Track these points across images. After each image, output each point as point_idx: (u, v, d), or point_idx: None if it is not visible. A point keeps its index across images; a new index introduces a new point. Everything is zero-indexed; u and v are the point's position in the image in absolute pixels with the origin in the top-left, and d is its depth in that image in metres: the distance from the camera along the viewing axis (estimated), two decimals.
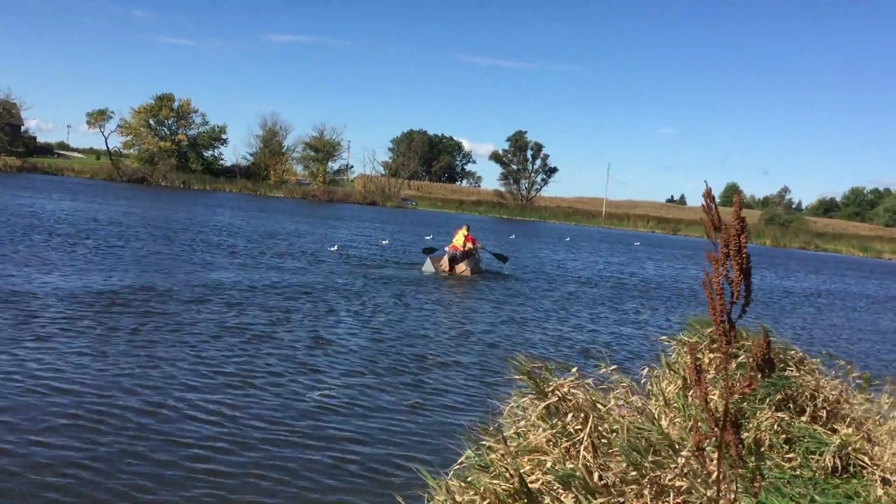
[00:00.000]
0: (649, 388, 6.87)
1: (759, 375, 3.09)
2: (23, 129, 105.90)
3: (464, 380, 10.44)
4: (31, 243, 21.13)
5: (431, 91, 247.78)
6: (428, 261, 25.10)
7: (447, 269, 24.48)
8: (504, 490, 3.70)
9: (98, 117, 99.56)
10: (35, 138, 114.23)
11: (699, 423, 3.61)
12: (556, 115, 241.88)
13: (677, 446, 3.73)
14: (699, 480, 3.49)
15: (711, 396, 5.13)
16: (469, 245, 25.19)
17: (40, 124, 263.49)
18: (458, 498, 3.94)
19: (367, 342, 12.27)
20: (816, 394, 6.64)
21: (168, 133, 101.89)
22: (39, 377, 8.57)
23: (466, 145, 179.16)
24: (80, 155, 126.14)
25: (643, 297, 23.86)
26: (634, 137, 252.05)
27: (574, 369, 4.94)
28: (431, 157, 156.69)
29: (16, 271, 15.83)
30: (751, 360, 3.05)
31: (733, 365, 6.19)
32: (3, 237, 21.86)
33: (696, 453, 3.19)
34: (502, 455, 4.10)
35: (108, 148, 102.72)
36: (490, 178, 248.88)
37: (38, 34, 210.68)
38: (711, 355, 6.82)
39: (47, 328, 10.90)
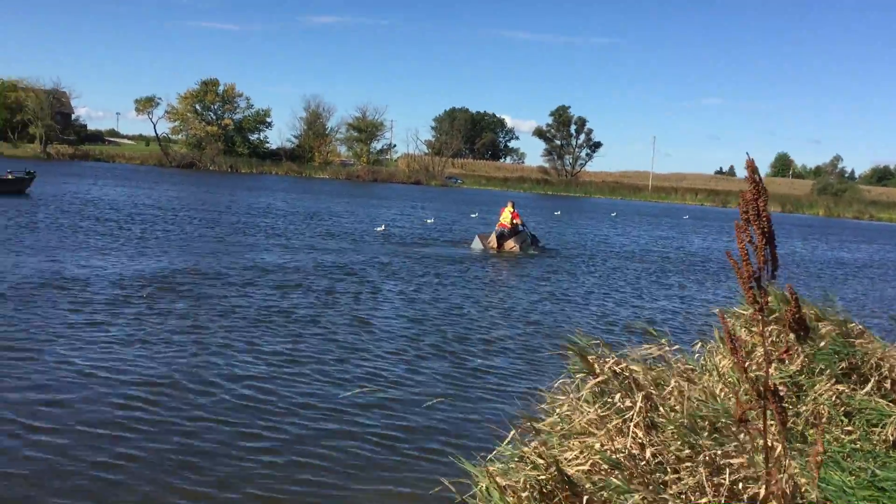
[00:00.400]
0: (703, 362, 6.70)
1: (796, 340, 2.96)
2: (73, 117, 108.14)
3: (509, 360, 10.31)
4: (83, 229, 21.56)
5: (473, 68, 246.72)
6: (476, 238, 25.27)
7: (495, 246, 24.52)
8: (544, 478, 3.61)
9: (146, 104, 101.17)
10: (86, 126, 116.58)
11: (740, 396, 3.48)
12: (599, 89, 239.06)
13: (735, 423, 3.60)
14: (755, 455, 3.36)
15: (756, 368, 4.97)
16: (516, 221, 25.13)
17: (90, 112, 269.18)
18: (501, 482, 3.86)
19: (412, 323, 12.21)
20: (882, 363, 6.41)
21: (214, 118, 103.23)
22: (91, 362, 8.69)
23: (509, 122, 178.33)
24: (129, 141, 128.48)
25: (691, 271, 23.47)
26: (679, 109, 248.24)
27: (627, 349, 4.82)
28: (474, 134, 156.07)
29: (70, 257, 16.15)
30: (783, 324, 2.92)
31: (791, 336, 5.99)
32: (56, 224, 22.35)
33: (741, 425, 3.07)
34: (540, 443, 4.01)
35: (156, 134, 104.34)
36: (534, 154, 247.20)
37: (85, 23, 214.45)
38: (771, 327, 6.62)
39: (99, 314, 11.07)
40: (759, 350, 5.75)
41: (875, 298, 19.75)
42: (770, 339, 6.15)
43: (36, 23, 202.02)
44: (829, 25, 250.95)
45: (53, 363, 8.48)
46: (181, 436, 6.76)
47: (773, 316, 6.48)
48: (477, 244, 24.86)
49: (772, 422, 3.02)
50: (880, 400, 6.03)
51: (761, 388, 2.89)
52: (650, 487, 3.29)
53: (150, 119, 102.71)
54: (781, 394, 2.99)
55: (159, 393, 7.81)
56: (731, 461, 3.22)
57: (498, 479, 3.86)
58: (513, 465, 4.05)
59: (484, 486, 3.92)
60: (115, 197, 36.04)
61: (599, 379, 4.13)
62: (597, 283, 18.67)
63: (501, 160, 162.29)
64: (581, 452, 3.91)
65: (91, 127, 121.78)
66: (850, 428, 5.78)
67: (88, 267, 15.00)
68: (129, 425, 6.86)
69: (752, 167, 3.01)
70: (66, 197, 33.36)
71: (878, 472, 5.04)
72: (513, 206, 25.29)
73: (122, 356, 8.98)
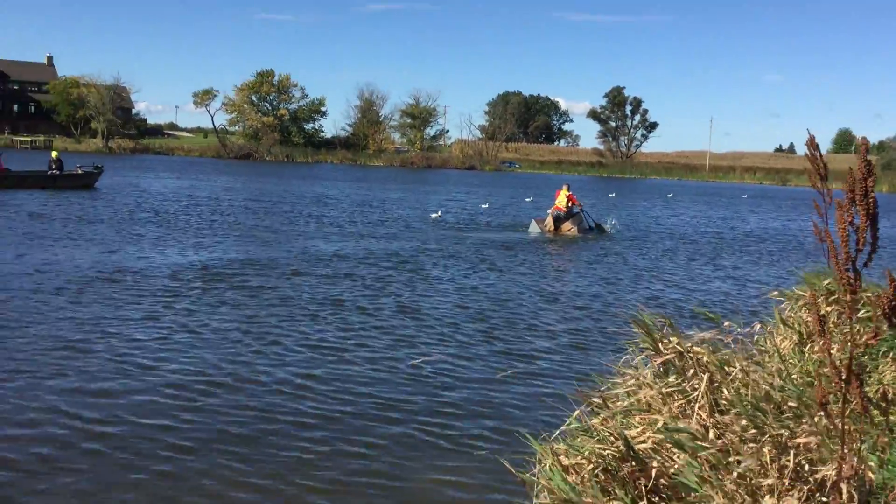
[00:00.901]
0: (762, 345, 6.59)
1: (889, 325, 2.89)
2: (134, 111, 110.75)
3: (566, 341, 10.28)
4: (143, 221, 22.17)
5: (525, 51, 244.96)
6: (533, 222, 25.51)
7: (552, 229, 24.71)
8: (611, 453, 3.61)
9: (203, 97, 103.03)
10: (146, 120, 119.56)
11: (821, 379, 3.42)
12: (654, 69, 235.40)
13: (807, 405, 3.55)
14: (828, 437, 3.32)
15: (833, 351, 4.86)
16: (572, 204, 25.24)
17: (150, 106, 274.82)
18: (564, 461, 3.87)
19: (468, 307, 12.27)
20: None
21: (270, 108, 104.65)
22: (149, 353, 8.91)
23: (563, 104, 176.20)
24: (188, 134, 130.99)
25: (747, 251, 23.03)
26: (738, 87, 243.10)
27: (692, 331, 4.77)
28: (528, 117, 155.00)
29: (133, 249, 16.62)
30: (876, 310, 2.86)
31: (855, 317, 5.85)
32: (119, 217, 22.98)
33: (820, 409, 3.02)
34: (605, 418, 4.00)
35: (214, 126, 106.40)
36: (588, 136, 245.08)
37: (143, 19, 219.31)
38: (829, 308, 6.48)
39: (154, 305, 11.32)
40: (836, 333, 5.62)
41: None
42: (833, 321, 6.03)
43: (96, 19, 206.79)
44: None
45: (107, 356, 8.62)
46: (237, 425, 6.85)
47: (833, 297, 6.36)
48: (534, 228, 25.10)
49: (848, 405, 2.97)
50: None
51: (843, 372, 2.85)
52: (717, 466, 3.27)
53: (208, 111, 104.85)
54: (862, 376, 2.94)
55: (213, 383, 7.91)
56: (798, 442, 3.17)
57: (561, 457, 3.87)
58: (576, 441, 4.05)
59: (547, 464, 3.92)
60: (175, 189, 36.86)
61: (665, 357, 4.10)
62: (650, 264, 18.46)
63: (556, 143, 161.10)
64: (644, 430, 3.89)
65: (151, 121, 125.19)
66: None
67: (146, 258, 15.43)
68: (183, 416, 6.95)
69: (812, 146, 2.95)
70: (130, 190, 34.24)
71: None
72: (568, 189, 25.35)
73: (174, 347, 9.16)
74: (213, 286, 12.85)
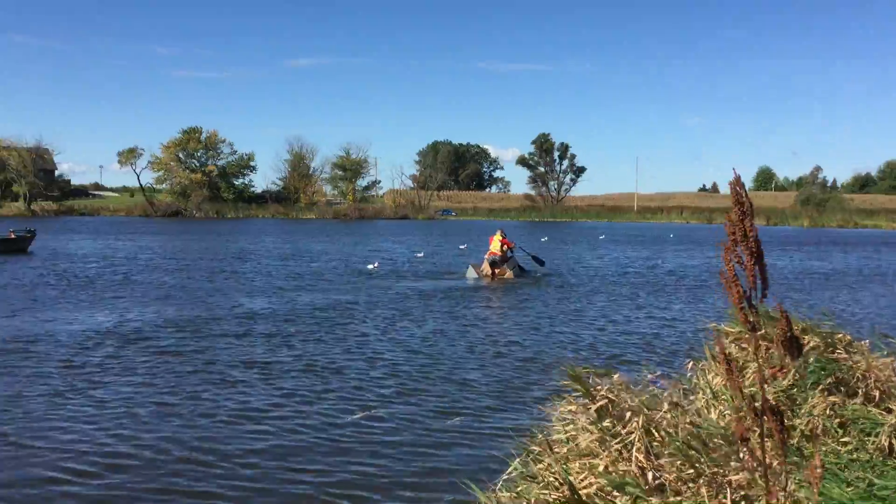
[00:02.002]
0: (695, 381, 6.79)
1: (790, 358, 3.04)
2: (56, 173, 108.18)
3: (509, 389, 10.36)
4: (65, 286, 21.53)
5: (453, 101, 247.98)
6: (470, 268, 26.05)
7: (489, 273, 25.22)
8: (555, 499, 3.68)
9: (129, 155, 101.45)
10: (69, 181, 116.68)
11: (741, 415, 3.56)
12: (579, 115, 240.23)
13: (732, 442, 3.68)
14: (755, 473, 3.44)
15: (752, 386, 5.06)
16: (505, 248, 25.77)
17: (73, 167, 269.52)
18: None
19: (406, 356, 12.29)
20: (868, 374, 6.51)
21: (198, 165, 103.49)
22: (45, 424, 8.65)
23: (492, 152, 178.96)
24: (114, 194, 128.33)
25: (683, 289, 23.61)
26: (661, 129, 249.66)
27: (616, 375, 4.90)
28: (458, 166, 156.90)
29: (50, 313, 16.15)
30: (776, 343, 3.01)
31: (781, 351, 6.08)
32: (38, 282, 22.32)
33: (742, 444, 3.15)
34: (550, 463, 4.07)
35: (140, 184, 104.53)
36: (518, 182, 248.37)
37: (64, 78, 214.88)
38: (761, 343, 6.72)
39: (58, 373, 11.02)
40: (751, 367, 5.84)
41: (865, 305, 19.93)
42: (760, 357, 6.25)
43: (15, 82, 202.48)
44: (799, 36, 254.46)
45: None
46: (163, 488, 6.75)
47: (759, 333, 6.58)
48: (471, 273, 25.62)
49: (769, 439, 3.10)
50: (873, 409, 6.12)
51: (758, 407, 2.97)
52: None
53: (134, 170, 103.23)
54: (779, 410, 3.07)
55: (119, 454, 7.78)
56: (732, 479, 3.29)
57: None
58: (521, 487, 4.09)
59: None
60: (96, 251, 36.01)
61: (599, 404, 4.21)
62: (582, 307, 18.73)
63: (487, 190, 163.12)
64: (585, 475, 3.97)
65: (75, 181, 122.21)
66: (846, 439, 5.86)
67: (76, 323, 15.01)
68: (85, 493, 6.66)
69: (737, 184, 3.10)
70: (50, 254, 33.34)
71: (875, 480, 5.11)
72: (502, 234, 25.88)
73: (74, 417, 8.83)
74: (141, 349, 12.49)
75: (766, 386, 3.00)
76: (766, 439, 2.99)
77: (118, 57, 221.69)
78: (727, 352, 3.10)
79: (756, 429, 3.09)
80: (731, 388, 4.60)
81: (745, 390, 3.06)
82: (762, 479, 3.10)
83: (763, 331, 6.11)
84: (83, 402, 9.39)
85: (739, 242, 2.99)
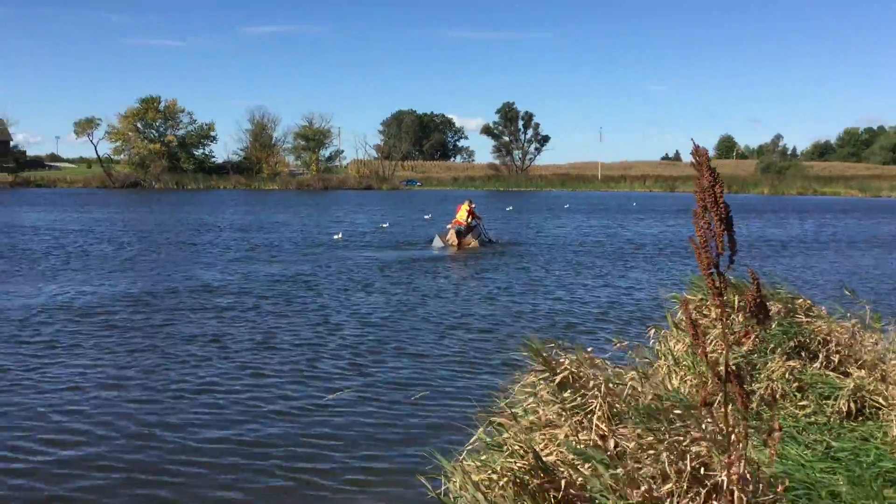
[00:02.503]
0: (657, 348, 6.84)
1: (757, 323, 3.05)
2: (11, 144, 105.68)
3: (471, 360, 10.38)
4: (17, 259, 21.11)
5: (416, 70, 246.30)
6: (436, 237, 26.29)
7: (456, 243, 25.56)
8: (520, 467, 3.68)
9: (85, 126, 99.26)
10: (25, 152, 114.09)
11: (705, 380, 3.58)
12: (543, 83, 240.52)
13: (692, 408, 3.70)
14: (718, 437, 3.46)
15: (715, 351, 5.10)
16: (471, 218, 26.25)
17: (28, 138, 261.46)
18: (474, 477, 3.92)
19: (371, 328, 12.25)
20: (829, 338, 6.61)
21: (157, 135, 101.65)
22: (40, 396, 8.51)
23: (457, 121, 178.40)
24: (71, 165, 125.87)
25: (641, 258, 23.83)
26: (624, 98, 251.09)
27: (590, 349, 4.91)
28: (423, 135, 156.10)
29: (8, 288, 15.83)
30: (744, 309, 3.02)
31: (740, 317, 6.15)
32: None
33: (705, 409, 3.16)
34: (515, 433, 4.07)
35: (98, 155, 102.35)
36: (483, 151, 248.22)
37: (15, 47, 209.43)
38: (717, 310, 6.78)
39: (38, 348, 10.85)
40: (713, 333, 5.89)
41: (823, 271, 20.27)
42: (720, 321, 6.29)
43: None
44: (760, 5, 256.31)
45: None
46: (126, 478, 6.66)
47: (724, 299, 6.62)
48: (437, 242, 25.93)
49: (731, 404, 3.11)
50: (831, 373, 6.22)
51: (722, 373, 2.97)
52: (620, 474, 3.38)
53: (91, 140, 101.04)
54: (741, 375, 3.08)
55: (84, 433, 7.68)
56: (692, 447, 3.31)
57: (472, 473, 3.92)
58: (486, 456, 4.11)
59: (458, 481, 3.96)
60: (59, 222, 35.30)
61: (561, 375, 4.20)
62: (546, 277, 18.82)
63: (452, 159, 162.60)
64: (547, 444, 3.99)
65: (30, 153, 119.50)
66: (804, 402, 5.95)
67: (37, 296, 14.73)
68: (46, 471, 6.57)
69: (704, 155, 3.08)
70: (12, 226, 32.62)
71: (832, 443, 5.21)
72: (470, 204, 26.43)
73: (25, 393, 8.75)
74: (98, 325, 12.25)
75: (728, 352, 3.00)
76: (729, 404, 3.00)
77: (69, 24, 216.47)
78: (692, 318, 3.09)
79: (718, 394, 3.10)
80: (698, 353, 4.63)
81: (710, 357, 3.06)
82: (724, 444, 3.12)
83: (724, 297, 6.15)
84: (33, 378, 9.20)
85: (710, 209, 2.97)
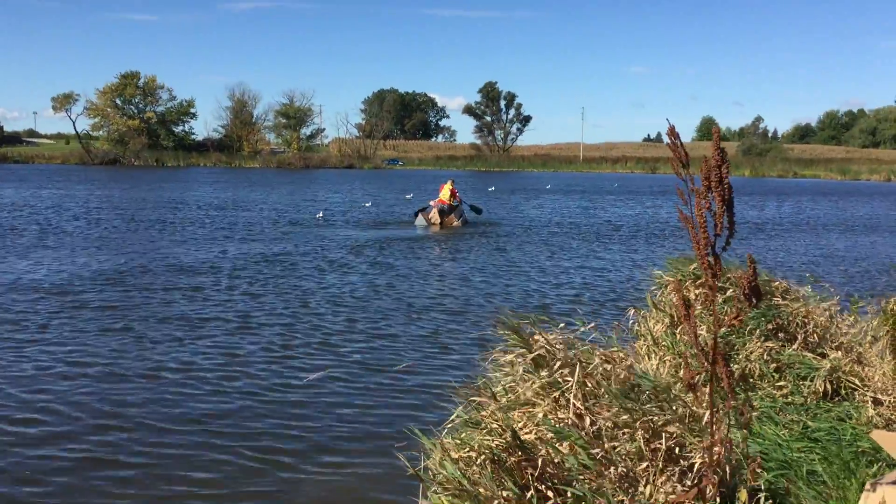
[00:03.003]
0: (637, 328, 6.86)
1: (748, 305, 3.05)
2: None
3: (450, 338, 10.38)
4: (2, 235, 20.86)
5: (399, 48, 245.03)
6: (420, 217, 26.48)
7: (438, 222, 25.92)
8: (498, 444, 3.67)
9: (63, 101, 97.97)
10: (1, 128, 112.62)
11: (689, 360, 3.58)
12: (525, 63, 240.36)
13: (669, 388, 3.70)
14: (691, 417, 3.47)
15: (700, 331, 5.11)
16: (454, 197, 26.79)
17: (5, 113, 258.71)
18: (453, 455, 3.92)
19: (344, 310, 12.17)
20: (807, 320, 6.65)
21: (136, 111, 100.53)
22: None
23: (439, 100, 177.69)
24: (49, 141, 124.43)
25: (621, 239, 23.91)
26: (606, 79, 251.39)
27: (561, 325, 4.91)
28: (405, 115, 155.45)
29: None
30: (738, 291, 3.02)
31: (720, 299, 6.17)
32: None
33: (688, 389, 3.15)
34: (493, 411, 4.07)
35: (76, 131, 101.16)
36: (465, 131, 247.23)
37: None
38: (697, 291, 6.80)
39: (4, 329, 10.72)
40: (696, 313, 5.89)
41: (800, 253, 20.44)
42: (701, 302, 6.32)
43: None
44: None
45: None
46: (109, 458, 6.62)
47: (700, 281, 6.66)
48: (420, 221, 26.22)
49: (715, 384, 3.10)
50: (808, 354, 6.27)
51: (710, 354, 2.96)
52: (596, 452, 3.38)
53: (69, 116, 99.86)
54: (727, 356, 3.08)
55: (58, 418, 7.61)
56: (668, 427, 3.31)
57: (451, 451, 3.92)
58: (465, 434, 4.12)
59: (437, 458, 3.97)
60: (37, 199, 34.88)
61: (534, 354, 4.19)
62: (530, 255, 18.86)
63: (433, 139, 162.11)
64: (525, 423, 4.00)
65: (7, 129, 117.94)
66: (781, 383, 5.99)
67: (10, 274, 14.56)
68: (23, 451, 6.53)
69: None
70: None
71: (809, 423, 5.25)
72: (453, 184, 27.02)
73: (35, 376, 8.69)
74: (77, 305, 12.09)
75: (713, 332, 3.00)
76: (714, 385, 3.00)
77: None
78: (684, 298, 3.08)
79: (702, 374, 3.10)
80: (687, 332, 4.62)
81: (696, 336, 3.05)
82: (702, 424, 3.13)
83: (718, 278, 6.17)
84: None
85: (714, 188, 2.94)
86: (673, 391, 3.63)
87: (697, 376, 3.00)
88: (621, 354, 4.16)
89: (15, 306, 11.68)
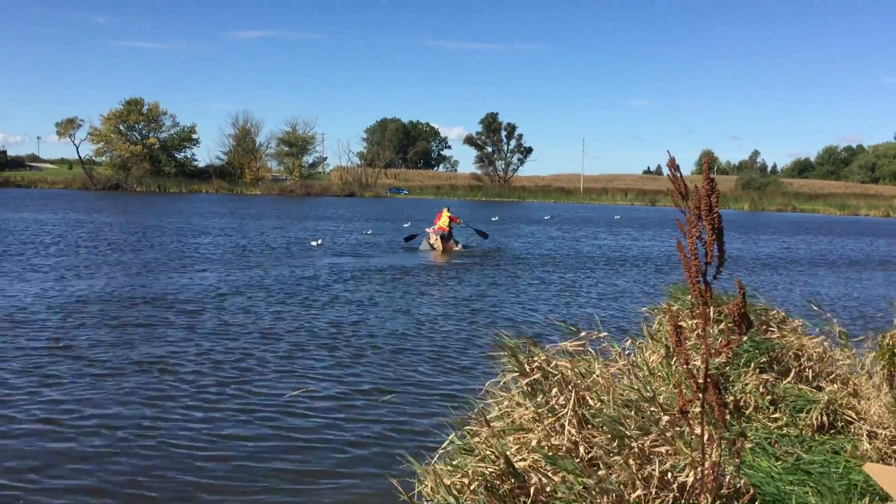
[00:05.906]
0: (633, 358, 6.86)
1: (738, 333, 3.08)
2: None
3: (448, 363, 10.40)
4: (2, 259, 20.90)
5: (402, 78, 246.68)
6: (424, 241, 27.87)
7: (440, 247, 26.86)
8: (491, 472, 3.68)
9: (67, 126, 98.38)
10: (5, 152, 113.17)
11: (683, 388, 3.60)
12: (527, 95, 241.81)
13: (662, 412, 3.71)
14: (683, 444, 3.48)
15: (693, 361, 5.13)
16: (454, 223, 28.07)
17: (8, 137, 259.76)
18: (446, 481, 3.92)
19: (341, 333, 12.21)
20: (800, 353, 6.66)
21: (139, 137, 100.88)
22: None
23: (441, 130, 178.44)
24: (52, 166, 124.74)
25: (619, 269, 23.92)
26: (607, 112, 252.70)
27: (550, 348, 4.93)
28: (406, 144, 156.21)
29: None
30: (727, 319, 3.05)
31: (715, 329, 6.19)
32: None
33: (681, 417, 3.17)
34: (487, 437, 4.07)
35: (79, 157, 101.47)
36: (466, 161, 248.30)
37: (1, 46, 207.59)
38: (693, 321, 6.82)
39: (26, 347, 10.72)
40: (691, 342, 5.92)
41: (800, 290, 20.46)
42: (697, 333, 6.32)
43: None
44: (740, 24, 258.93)
45: None
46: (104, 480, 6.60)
47: (697, 311, 6.67)
48: (424, 245, 27.60)
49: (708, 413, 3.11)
50: (804, 387, 6.27)
51: (701, 382, 2.98)
52: (591, 482, 3.38)
53: (73, 141, 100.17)
54: (720, 384, 3.10)
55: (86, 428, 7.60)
56: (660, 451, 3.32)
57: (444, 477, 3.92)
58: (458, 460, 4.12)
59: (430, 484, 3.97)
60: (38, 224, 34.97)
61: (530, 378, 4.21)
62: (529, 284, 18.87)
63: (435, 168, 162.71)
64: (519, 449, 4.00)
65: (11, 153, 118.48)
66: (777, 415, 5.99)
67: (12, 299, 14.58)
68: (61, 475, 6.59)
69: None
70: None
71: (803, 455, 5.24)
72: (449, 211, 27.95)
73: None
74: (73, 328, 12.13)
75: (709, 361, 3.02)
76: (706, 413, 3.02)
77: (53, 25, 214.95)
78: (676, 325, 3.11)
79: (696, 402, 3.12)
80: (679, 359, 4.63)
81: (689, 364, 3.08)
82: (693, 449, 3.14)
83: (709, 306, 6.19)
84: None
85: (704, 217, 2.98)
86: (664, 417, 3.65)
87: (689, 404, 3.03)
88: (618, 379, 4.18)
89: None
